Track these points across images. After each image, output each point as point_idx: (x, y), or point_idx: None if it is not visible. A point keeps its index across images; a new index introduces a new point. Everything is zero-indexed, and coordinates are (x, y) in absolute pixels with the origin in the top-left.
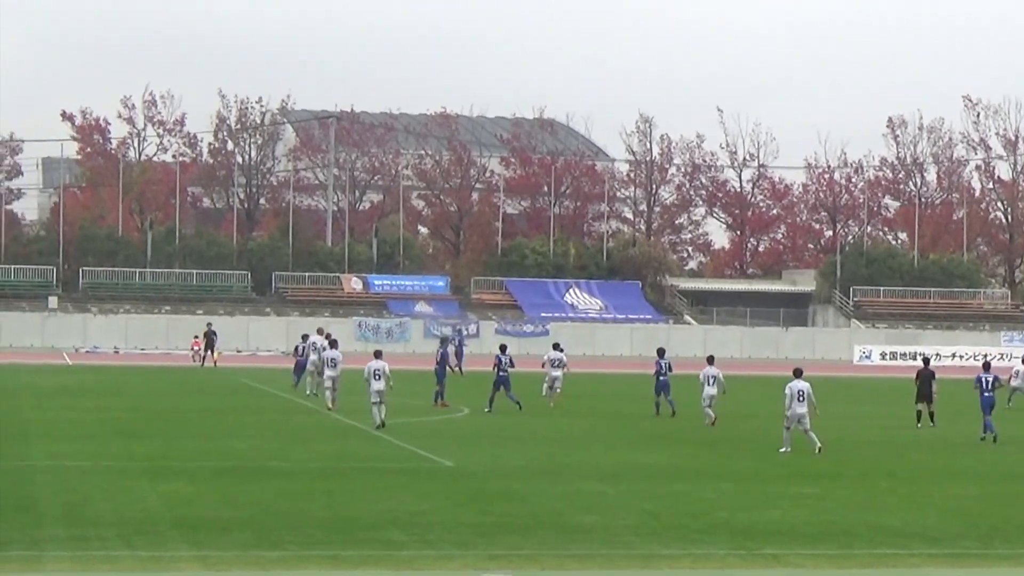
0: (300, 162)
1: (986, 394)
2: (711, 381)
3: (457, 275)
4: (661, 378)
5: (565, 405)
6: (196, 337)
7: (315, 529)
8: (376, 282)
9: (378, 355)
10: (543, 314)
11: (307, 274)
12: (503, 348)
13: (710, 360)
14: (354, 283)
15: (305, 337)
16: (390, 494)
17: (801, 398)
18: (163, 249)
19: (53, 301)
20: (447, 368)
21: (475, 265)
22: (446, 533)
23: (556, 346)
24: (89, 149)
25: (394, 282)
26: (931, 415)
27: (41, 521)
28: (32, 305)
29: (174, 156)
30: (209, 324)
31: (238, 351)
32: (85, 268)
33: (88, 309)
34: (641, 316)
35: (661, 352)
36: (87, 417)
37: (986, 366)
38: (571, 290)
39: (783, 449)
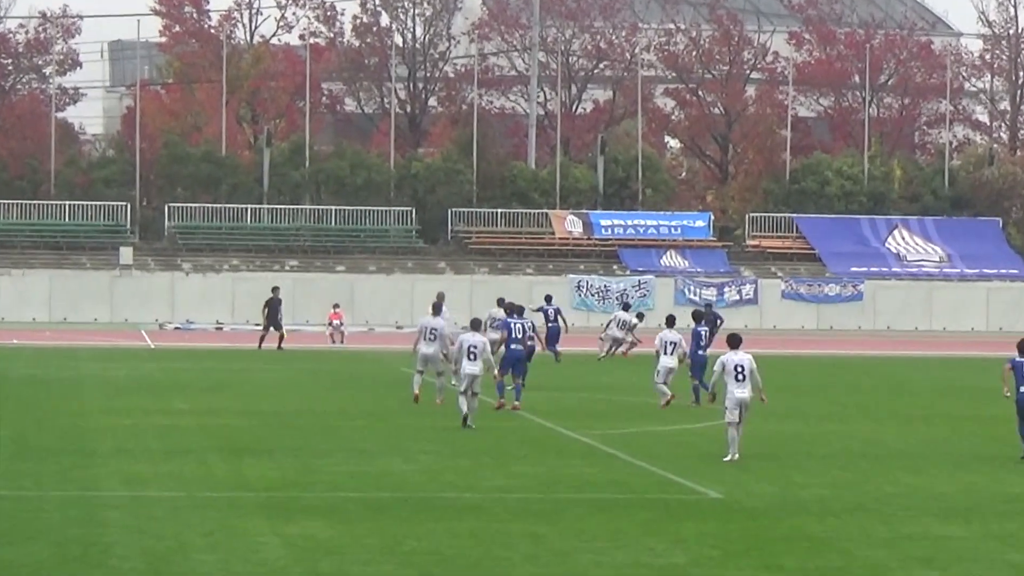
0: (488, 43)
1: None
2: (669, 349)
3: (724, 211)
4: (699, 352)
5: (876, 406)
6: (336, 307)
7: None
8: (602, 222)
9: (475, 325)
10: (853, 268)
11: (499, 211)
12: (548, 298)
13: (670, 322)
14: (570, 224)
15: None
16: (628, 539)
17: (741, 377)
18: (287, 176)
19: (126, 254)
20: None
21: (751, 196)
22: None
23: (626, 307)
24: (178, 28)
25: (630, 222)
26: None
27: None
28: (96, 260)
29: (302, 37)
30: (275, 288)
31: (398, 327)
32: (172, 205)
33: (178, 266)
34: (1002, 270)
35: (698, 316)
36: (179, 424)
37: None
38: (896, 231)
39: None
